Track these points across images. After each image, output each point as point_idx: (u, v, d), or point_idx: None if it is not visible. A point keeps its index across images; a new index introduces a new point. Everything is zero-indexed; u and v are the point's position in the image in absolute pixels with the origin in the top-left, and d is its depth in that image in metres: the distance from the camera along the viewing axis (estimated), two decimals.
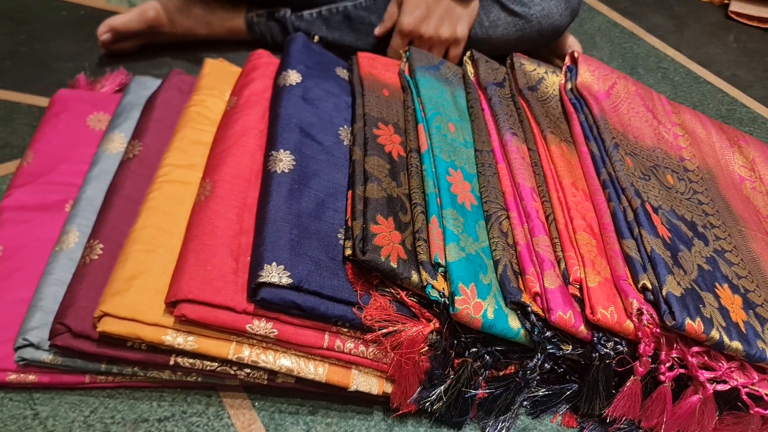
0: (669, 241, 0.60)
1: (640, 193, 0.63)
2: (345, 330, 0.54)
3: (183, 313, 0.51)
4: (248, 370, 0.55)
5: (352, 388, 0.55)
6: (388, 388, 0.56)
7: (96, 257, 0.57)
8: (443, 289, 0.54)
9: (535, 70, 0.76)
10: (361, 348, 0.54)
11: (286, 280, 0.51)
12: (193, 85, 0.74)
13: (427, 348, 0.55)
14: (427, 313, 0.55)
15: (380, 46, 0.91)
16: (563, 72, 0.77)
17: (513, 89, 0.75)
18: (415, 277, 0.54)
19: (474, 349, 0.54)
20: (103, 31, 0.87)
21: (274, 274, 0.51)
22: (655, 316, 0.54)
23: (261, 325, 0.52)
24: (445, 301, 0.53)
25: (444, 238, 0.57)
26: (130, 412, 0.56)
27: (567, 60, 0.77)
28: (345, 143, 0.65)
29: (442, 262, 0.55)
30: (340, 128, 0.66)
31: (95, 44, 0.90)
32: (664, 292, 0.54)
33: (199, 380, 0.56)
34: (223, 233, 0.56)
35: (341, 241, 0.57)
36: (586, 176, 0.67)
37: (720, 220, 0.68)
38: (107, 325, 0.51)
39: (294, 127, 0.63)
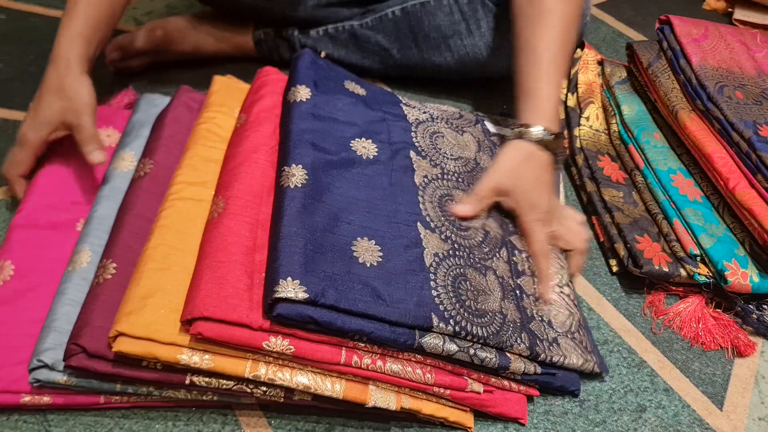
0: None
1: (753, 123, 0.73)
2: (362, 345, 0.53)
3: (199, 331, 0.50)
4: (264, 388, 0.54)
5: (370, 404, 0.54)
6: (406, 402, 0.55)
7: (109, 276, 0.56)
8: (708, 273, 0.68)
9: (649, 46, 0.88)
10: (379, 363, 0.54)
11: (302, 295, 0.50)
12: (202, 102, 0.74)
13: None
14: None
15: (385, 65, 0.91)
16: (656, 30, 0.88)
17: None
18: (682, 272, 0.69)
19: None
20: (111, 50, 0.87)
21: (290, 289, 0.50)
22: None
23: (278, 342, 0.51)
24: (714, 281, 0.68)
25: (692, 232, 0.71)
26: None
27: (657, 23, 0.89)
28: (358, 154, 0.65)
29: (698, 252, 0.69)
30: (352, 141, 0.66)
31: (102, 63, 0.91)
32: None
33: (215, 399, 0.56)
34: (237, 250, 0.55)
35: (355, 254, 0.56)
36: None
37: None
38: (122, 345, 0.50)
39: (306, 143, 0.63)
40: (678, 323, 0.69)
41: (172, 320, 0.52)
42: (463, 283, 0.58)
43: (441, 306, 0.55)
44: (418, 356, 0.55)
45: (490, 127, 0.79)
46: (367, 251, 0.57)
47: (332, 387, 0.54)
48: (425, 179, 0.66)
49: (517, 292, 0.62)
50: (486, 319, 0.56)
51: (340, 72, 0.76)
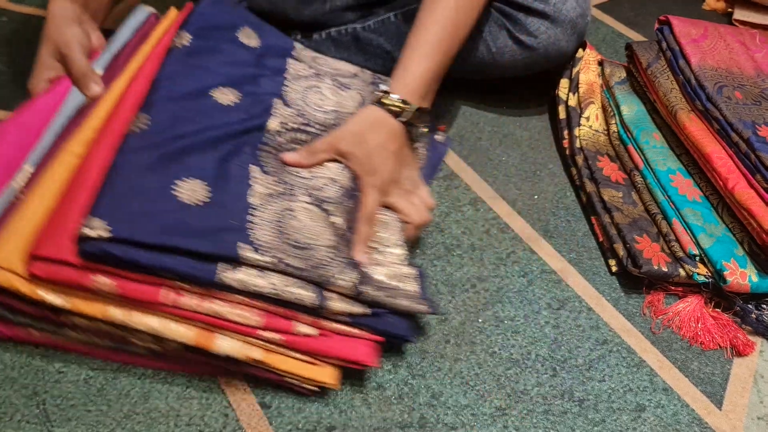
0: None
1: (752, 123, 0.74)
2: (181, 284, 0.53)
3: (32, 271, 0.51)
4: (131, 333, 0.55)
5: (215, 350, 0.55)
6: (257, 354, 0.55)
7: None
8: (707, 273, 0.69)
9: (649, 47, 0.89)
10: (203, 303, 0.53)
11: (105, 234, 0.50)
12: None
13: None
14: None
15: (387, 68, 0.91)
16: (655, 30, 0.89)
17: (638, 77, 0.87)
18: (681, 271, 0.69)
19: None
20: None
21: (96, 227, 0.51)
22: None
23: (103, 281, 0.52)
24: (713, 281, 0.68)
25: (691, 232, 0.71)
26: (148, 430, 0.56)
27: (656, 24, 0.89)
28: (215, 100, 0.66)
29: (697, 252, 0.70)
30: (214, 89, 0.67)
31: None
32: None
33: (108, 344, 0.58)
34: (77, 192, 0.56)
35: (176, 193, 0.56)
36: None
37: None
38: None
39: (162, 89, 0.64)
40: (677, 323, 0.69)
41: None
42: (289, 218, 0.58)
43: (256, 239, 0.55)
44: (241, 297, 0.54)
45: (384, 87, 0.80)
46: (191, 191, 0.57)
47: (181, 332, 0.54)
48: (283, 126, 0.68)
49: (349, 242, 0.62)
50: (308, 252, 0.56)
51: (241, 19, 0.77)
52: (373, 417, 0.59)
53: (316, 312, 0.56)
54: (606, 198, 0.77)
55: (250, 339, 0.55)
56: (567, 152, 0.85)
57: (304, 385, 0.58)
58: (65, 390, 0.59)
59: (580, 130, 0.85)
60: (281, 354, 0.56)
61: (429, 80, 0.70)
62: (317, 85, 0.75)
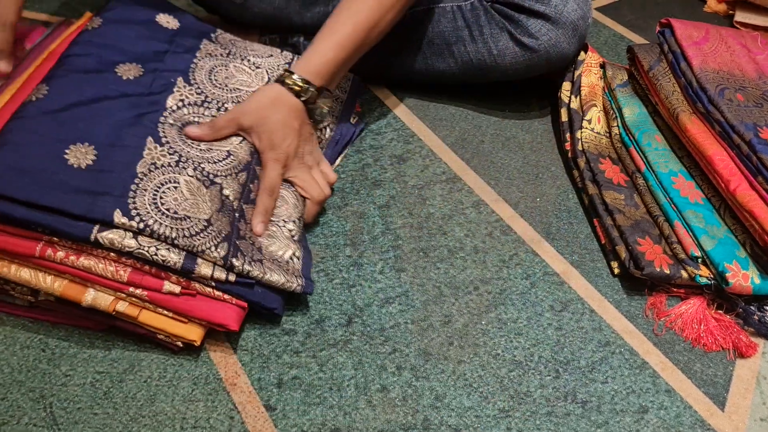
0: None
1: (753, 125, 0.74)
2: (56, 240, 0.58)
3: None
4: (9, 286, 0.60)
5: (84, 303, 0.59)
6: (122, 307, 0.60)
7: None
8: (709, 274, 0.69)
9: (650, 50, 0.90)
10: (72, 258, 0.58)
11: None
12: None
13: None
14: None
15: (390, 71, 0.91)
16: (657, 33, 0.90)
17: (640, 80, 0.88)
18: (683, 273, 0.70)
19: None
20: None
21: None
22: None
23: None
24: (715, 282, 0.69)
25: (693, 234, 0.72)
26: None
27: (657, 26, 0.90)
28: (118, 75, 0.70)
29: (699, 254, 0.70)
30: (119, 65, 0.71)
31: None
32: None
33: None
34: None
35: (66, 156, 0.61)
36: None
37: None
38: None
39: (66, 64, 0.69)
40: (680, 325, 0.69)
41: None
42: (171, 188, 0.62)
43: (132, 205, 0.59)
44: (113, 254, 0.58)
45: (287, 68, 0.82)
46: (79, 155, 0.61)
47: (51, 284, 0.59)
48: (180, 102, 0.71)
49: (237, 214, 0.65)
50: (184, 223, 0.60)
51: (162, 6, 0.80)
52: (377, 419, 0.60)
53: (185, 274, 0.60)
54: (608, 200, 0.77)
55: (119, 294, 0.60)
56: (569, 155, 0.86)
57: (173, 341, 0.62)
58: (72, 393, 0.59)
59: (582, 132, 0.86)
60: (151, 311, 0.61)
61: (335, 67, 0.73)
62: (225, 64, 0.79)
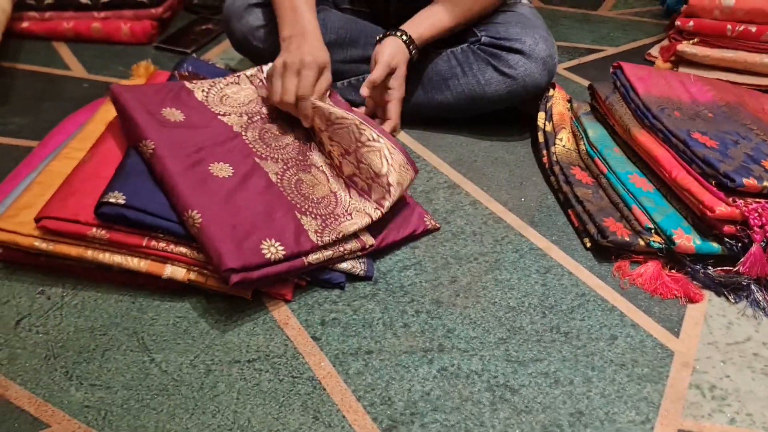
0: (717, 147, 0.92)
1: (687, 130, 0.95)
2: (160, 235, 0.77)
3: (43, 224, 0.76)
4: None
5: (165, 275, 0.77)
6: (193, 276, 0.77)
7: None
8: (660, 240, 0.87)
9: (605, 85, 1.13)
10: (171, 246, 0.77)
11: (121, 201, 0.75)
12: None
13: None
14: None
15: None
16: (611, 73, 1.12)
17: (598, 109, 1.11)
18: (640, 241, 0.88)
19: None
20: None
21: (115, 196, 0.76)
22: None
23: (97, 232, 0.76)
24: (665, 246, 0.86)
25: (646, 212, 0.90)
26: (225, 356, 0.72)
27: (611, 68, 1.12)
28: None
29: (651, 226, 0.88)
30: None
31: None
32: (721, 171, 0.86)
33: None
34: (84, 176, 0.83)
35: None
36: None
37: (756, 126, 1.02)
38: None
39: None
40: (640, 282, 0.86)
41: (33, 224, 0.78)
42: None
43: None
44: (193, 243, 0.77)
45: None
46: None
47: (138, 264, 0.77)
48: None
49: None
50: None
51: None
52: (402, 345, 0.75)
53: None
54: (579, 194, 0.96)
55: (194, 268, 0.78)
56: (546, 165, 1.05)
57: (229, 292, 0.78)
58: (158, 330, 0.75)
59: (555, 148, 1.06)
60: (211, 276, 0.78)
61: (429, 32, 1.08)
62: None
